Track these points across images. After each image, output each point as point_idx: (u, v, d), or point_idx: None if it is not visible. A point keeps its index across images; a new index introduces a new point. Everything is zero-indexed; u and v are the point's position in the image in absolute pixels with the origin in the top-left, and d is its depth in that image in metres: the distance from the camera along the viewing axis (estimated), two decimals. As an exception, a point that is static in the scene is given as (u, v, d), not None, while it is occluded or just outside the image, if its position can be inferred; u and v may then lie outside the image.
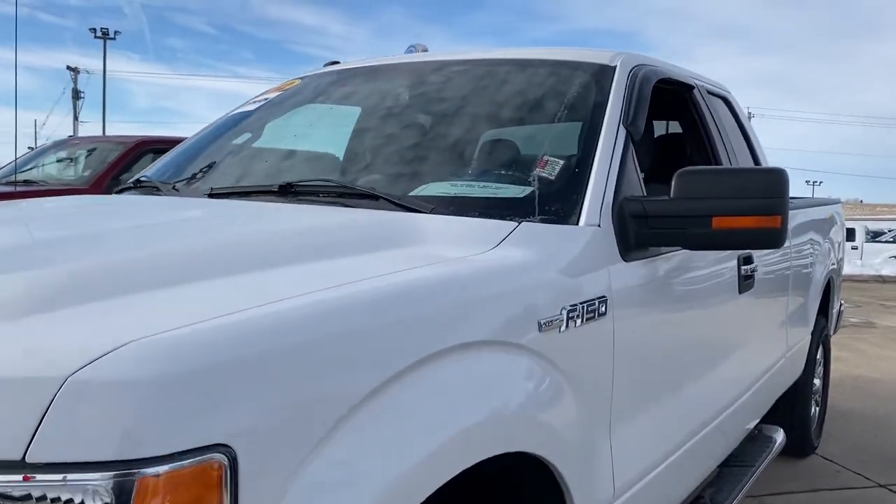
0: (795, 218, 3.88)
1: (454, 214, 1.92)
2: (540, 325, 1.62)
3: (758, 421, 3.53)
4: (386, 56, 2.99)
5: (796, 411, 4.26)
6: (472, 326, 1.45)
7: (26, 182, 7.90)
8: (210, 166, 2.55)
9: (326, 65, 3.17)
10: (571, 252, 1.84)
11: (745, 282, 2.87)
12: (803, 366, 4.17)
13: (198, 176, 2.50)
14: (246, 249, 1.52)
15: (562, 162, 2.10)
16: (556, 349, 1.68)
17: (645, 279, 2.10)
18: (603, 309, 1.85)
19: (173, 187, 2.44)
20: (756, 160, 3.56)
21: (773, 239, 2.03)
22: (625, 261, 2.01)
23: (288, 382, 1.12)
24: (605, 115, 2.25)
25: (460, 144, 2.37)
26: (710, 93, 3.23)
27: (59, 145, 9.16)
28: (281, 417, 1.09)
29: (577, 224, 1.94)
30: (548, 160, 2.11)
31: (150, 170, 2.81)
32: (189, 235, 1.66)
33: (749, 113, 60.02)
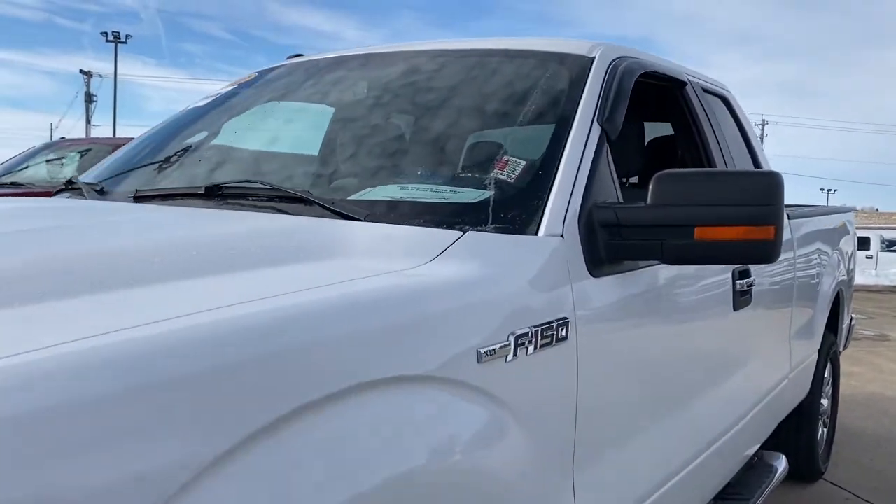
0: (801, 227, 3.61)
1: (395, 221, 1.67)
2: (479, 356, 1.36)
3: (758, 447, 3.25)
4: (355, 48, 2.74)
5: (802, 434, 3.98)
6: (383, 360, 1.20)
7: (13, 184, 7.70)
8: (144, 167, 2.31)
9: (289, 58, 2.93)
10: (525, 267, 1.58)
11: (741, 297, 2.60)
12: (809, 386, 3.89)
13: (129, 177, 2.27)
14: (120, 262, 1.27)
15: (523, 163, 1.84)
16: (501, 382, 1.42)
17: (617, 297, 1.83)
18: (563, 332, 1.59)
19: (101, 190, 2.20)
20: (757, 164, 3.29)
21: (766, 253, 1.77)
22: (593, 276, 1.75)
23: (124, 431, 0.87)
24: (577, 110, 1.99)
25: (416, 142, 2.11)
26: (705, 90, 2.96)
27: (49, 147, 8.97)
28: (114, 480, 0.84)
29: (536, 234, 1.68)
30: (508, 161, 1.85)
31: (92, 170, 2.58)
32: (66, 244, 1.41)
33: (763, 119, 59.42)
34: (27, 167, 8.45)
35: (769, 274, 3.00)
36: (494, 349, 1.40)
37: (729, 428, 2.67)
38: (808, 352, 3.80)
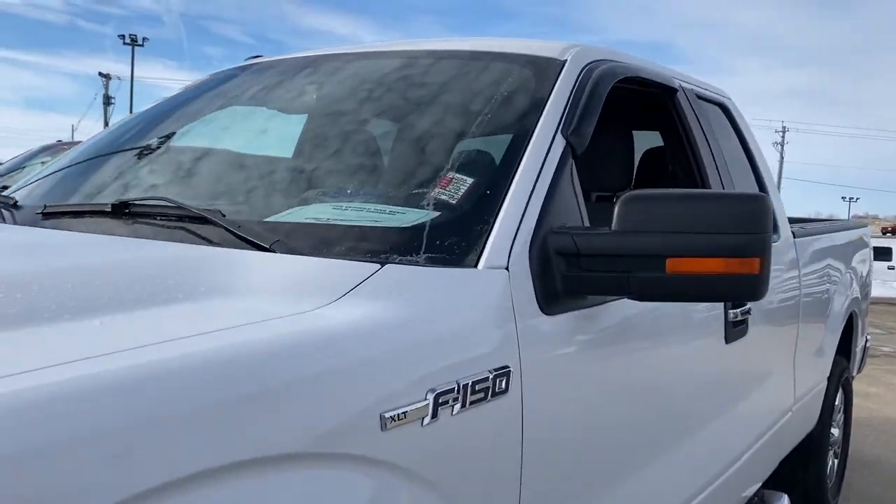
0: (809, 246, 3.33)
1: (309, 248, 1.43)
2: (384, 421, 1.12)
3: (759, 486, 2.98)
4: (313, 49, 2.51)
5: (810, 468, 3.69)
6: (259, 432, 0.96)
7: (4, 188, 7.54)
8: (64, 180, 2.09)
9: (247, 59, 2.70)
10: (456, 306, 1.34)
11: (735, 328, 2.33)
12: (817, 416, 3.60)
13: (45, 191, 2.05)
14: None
15: (470, 181, 1.60)
16: (415, 452, 1.17)
17: (576, 337, 1.58)
18: (503, 384, 1.34)
19: (14, 204, 1.98)
20: (758, 178, 3.02)
21: (750, 289, 1.51)
22: (546, 314, 1.50)
23: None
24: (538, 120, 1.74)
25: (360, 154, 1.87)
26: (700, 97, 2.70)
27: (46, 150, 8.82)
28: None
29: (476, 266, 1.43)
30: (452, 178, 1.61)
31: (24, 181, 2.37)
32: None
33: (784, 127, 58.63)
34: (24, 168, 8.31)
35: (769, 299, 2.74)
36: (406, 412, 1.15)
37: (722, 471, 2.41)
38: (816, 380, 3.52)
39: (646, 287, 1.52)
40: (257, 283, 1.27)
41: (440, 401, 1.20)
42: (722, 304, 2.25)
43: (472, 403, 1.27)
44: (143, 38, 41.50)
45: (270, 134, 2.09)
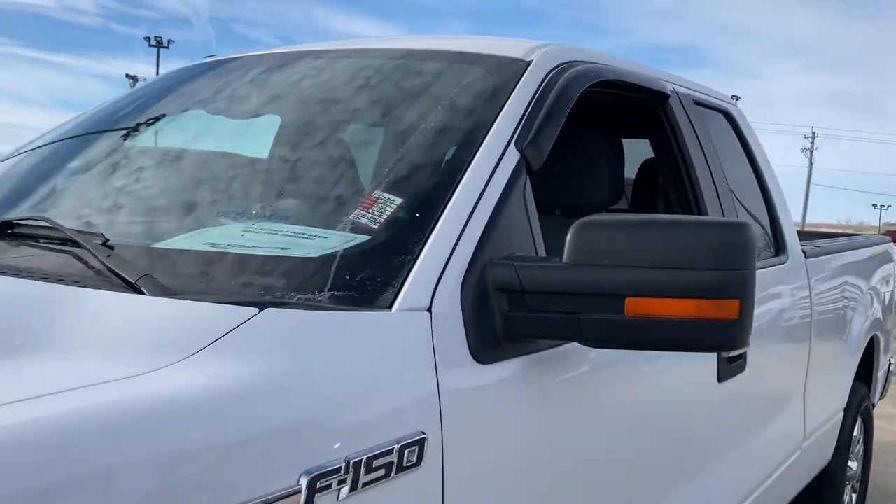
0: (823, 266, 3.04)
1: (185, 285, 1.19)
2: (233, 517, 0.87)
3: (762, 531, 2.69)
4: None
5: (823, 507, 3.39)
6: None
7: None
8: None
9: (206, 58, 2.48)
10: (350, 361, 1.08)
11: (730, 365, 2.06)
12: (832, 452, 3.30)
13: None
14: None
15: (398, 201, 1.35)
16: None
17: (521, 390, 1.32)
18: (415, 456, 1.09)
19: None
20: (765, 193, 2.73)
21: (726, 337, 1.25)
22: (480, 362, 1.25)
23: None
24: (489, 130, 1.49)
25: (287, 167, 1.63)
26: (699, 104, 2.43)
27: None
28: None
29: (389, 308, 1.18)
30: (378, 198, 1.36)
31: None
32: None
33: (814, 132, 57.59)
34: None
35: (775, 327, 2.46)
36: (270, 502, 0.91)
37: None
38: (831, 412, 3.22)
39: (600, 331, 1.27)
40: (95, 333, 1.03)
41: (318, 485, 0.96)
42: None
43: (366, 485, 1.02)
44: (169, 41, 41.72)
45: (200, 142, 1.85)
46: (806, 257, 2.86)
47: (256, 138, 1.72)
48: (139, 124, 1.99)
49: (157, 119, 1.95)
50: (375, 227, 1.30)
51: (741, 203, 2.47)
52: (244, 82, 1.92)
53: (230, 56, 2.19)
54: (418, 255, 1.23)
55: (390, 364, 1.12)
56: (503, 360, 1.29)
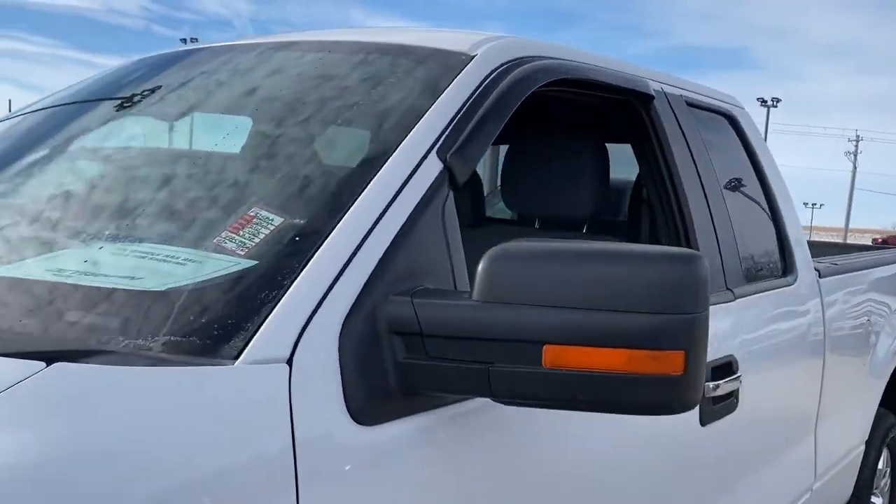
0: (841, 284, 2.75)
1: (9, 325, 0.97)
2: None
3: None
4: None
5: (840, 549, 3.09)
6: None
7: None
8: None
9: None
10: (169, 434, 0.85)
11: (717, 405, 1.80)
12: (851, 490, 3.00)
13: None
14: None
15: (277, 221, 1.12)
16: None
17: (417, 454, 1.09)
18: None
19: None
20: (773, 209, 2.44)
21: (667, 397, 1.00)
22: (360, 423, 1.01)
23: None
24: (407, 134, 1.26)
25: (161, 176, 1.40)
26: (693, 105, 2.17)
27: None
28: None
29: (234, 361, 0.95)
30: (254, 217, 1.13)
31: None
32: None
33: (858, 136, 56.01)
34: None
35: (775, 355, 2.19)
36: None
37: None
38: (850, 446, 2.92)
39: (513, 386, 1.03)
40: None
41: None
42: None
43: None
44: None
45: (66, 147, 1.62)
46: (820, 276, 2.58)
47: (133, 139, 1.50)
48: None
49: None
50: (242, 254, 1.07)
51: (741, 218, 2.20)
52: (151, 81, 1.70)
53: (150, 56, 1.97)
54: (284, 292, 1.00)
55: (224, 436, 0.88)
56: (397, 418, 1.06)
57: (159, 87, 1.59)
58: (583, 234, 2.27)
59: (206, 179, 1.31)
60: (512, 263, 1.04)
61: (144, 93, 1.59)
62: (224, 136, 1.40)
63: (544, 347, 1.01)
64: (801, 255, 2.46)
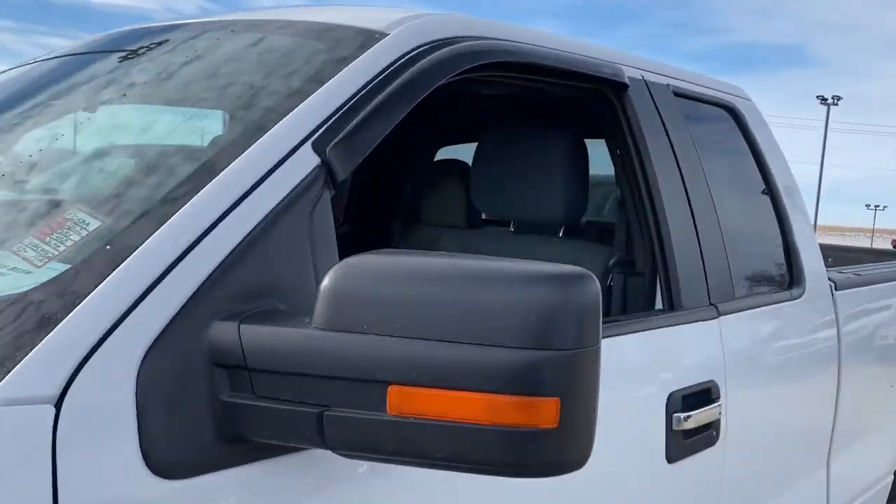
0: (859, 298, 2.46)
1: None
2: None
3: None
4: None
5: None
6: None
7: None
8: None
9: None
10: None
11: (687, 440, 1.56)
12: (875, 523, 2.71)
13: None
14: None
15: (93, 225, 0.93)
16: None
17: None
18: None
19: None
20: (779, 213, 2.17)
21: (537, 456, 0.78)
22: (162, 477, 0.82)
23: None
24: (275, 123, 1.06)
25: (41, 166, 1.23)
26: (681, 95, 1.92)
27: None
28: None
29: None
30: (68, 220, 0.94)
31: None
32: None
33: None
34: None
35: (774, 378, 1.93)
36: None
37: None
38: (873, 477, 2.63)
39: (350, 435, 0.82)
40: None
41: None
42: (664, 402, 1.50)
43: None
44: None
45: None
46: (836, 288, 2.30)
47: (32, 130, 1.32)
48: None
49: None
50: (40, 265, 0.88)
51: (737, 224, 1.95)
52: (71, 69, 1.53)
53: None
54: (65, 314, 0.81)
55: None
56: (216, 469, 0.86)
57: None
58: (559, 237, 2.04)
59: (34, 173, 1.13)
60: (359, 281, 0.83)
61: None
62: (79, 124, 1.21)
63: (389, 388, 0.80)
64: (812, 266, 2.19)
